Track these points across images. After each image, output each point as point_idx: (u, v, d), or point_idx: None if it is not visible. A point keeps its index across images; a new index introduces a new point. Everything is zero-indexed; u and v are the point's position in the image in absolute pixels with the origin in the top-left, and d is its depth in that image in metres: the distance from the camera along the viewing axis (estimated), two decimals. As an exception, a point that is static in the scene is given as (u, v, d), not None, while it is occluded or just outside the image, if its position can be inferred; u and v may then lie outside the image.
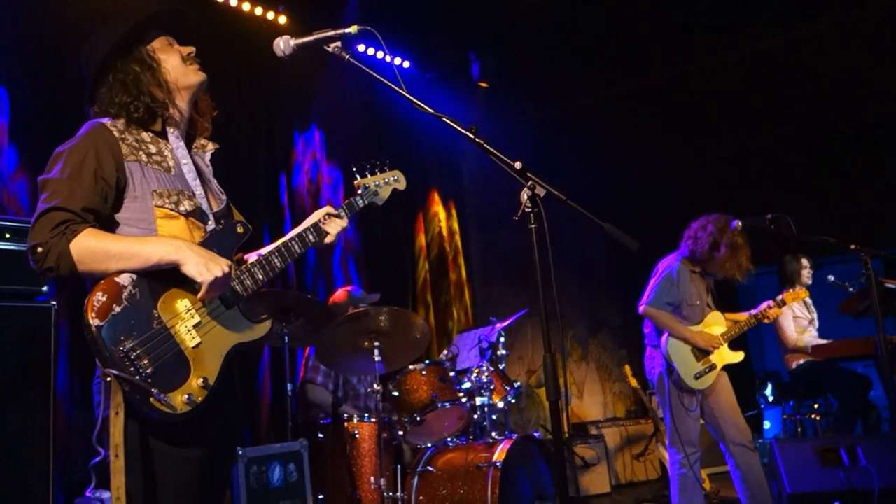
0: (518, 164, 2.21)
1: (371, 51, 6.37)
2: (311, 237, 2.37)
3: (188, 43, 2.31)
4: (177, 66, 2.23)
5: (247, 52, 5.46)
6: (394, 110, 6.56)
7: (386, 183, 2.67)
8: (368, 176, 2.64)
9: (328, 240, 2.40)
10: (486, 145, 2.25)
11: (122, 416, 1.85)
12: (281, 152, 5.83)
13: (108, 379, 1.84)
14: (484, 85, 7.21)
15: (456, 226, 7.47)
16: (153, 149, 2.15)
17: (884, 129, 7.67)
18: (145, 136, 2.16)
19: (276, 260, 2.26)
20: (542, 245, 2.16)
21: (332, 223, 2.41)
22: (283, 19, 5.77)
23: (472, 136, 2.26)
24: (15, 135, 4.16)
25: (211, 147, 2.37)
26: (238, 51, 5.46)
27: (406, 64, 6.87)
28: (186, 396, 1.90)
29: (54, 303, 3.22)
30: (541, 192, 2.19)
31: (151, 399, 1.84)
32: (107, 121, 2.12)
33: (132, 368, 1.84)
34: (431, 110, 2.29)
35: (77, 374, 4.04)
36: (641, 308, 4.69)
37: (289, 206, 5.72)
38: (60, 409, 3.72)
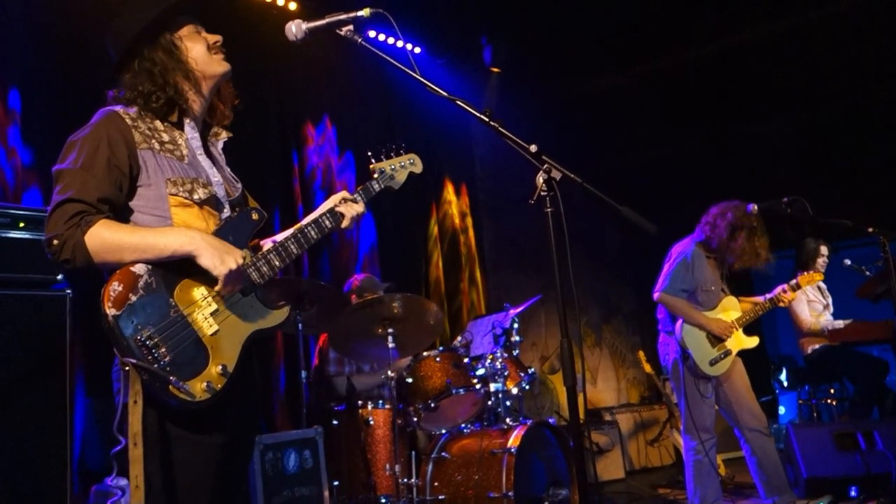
0: (533, 148, 2.18)
1: (382, 37, 6.32)
2: (327, 222, 2.34)
3: (215, 30, 2.27)
4: (201, 55, 2.19)
5: (258, 41, 5.44)
6: (406, 98, 6.53)
7: (402, 167, 2.63)
8: (384, 160, 2.60)
9: (344, 224, 2.37)
10: (500, 128, 2.23)
11: (140, 404, 1.84)
12: (292, 140, 5.82)
13: (127, 368, 1.84)
14: (496, 70, 7.17)
15: (468, 212, 7.44)
16: (166, 137, 2.13)
17: (901, 110, 7.59)
18: (158, 124, 2.14)
19: (292, 246, 2.24)
20: (558, 229, 2.14)
21: (348, 208, 2.38)
22: (293, 5, 5.75)
23: (487, 119, 2.23)
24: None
25: (224, 135, 2.35)
26: (249, 39, 5.42)
27: (417, 49, 6.82)
28: (206, 384, 1.90)
29: (69, 291, 3.23)
30: (556, 175, 2.16)
31: (170, 387, 1.84)
32: (119, 108, 2.10)
33: (150, 357, 1.84)
34: (445, 93, 2.25)
35: (94, 361, 4.06)
36: (656, 295, 4.65)
37: (300, 194, 5.71)
38: (77, 398, 3.74)
